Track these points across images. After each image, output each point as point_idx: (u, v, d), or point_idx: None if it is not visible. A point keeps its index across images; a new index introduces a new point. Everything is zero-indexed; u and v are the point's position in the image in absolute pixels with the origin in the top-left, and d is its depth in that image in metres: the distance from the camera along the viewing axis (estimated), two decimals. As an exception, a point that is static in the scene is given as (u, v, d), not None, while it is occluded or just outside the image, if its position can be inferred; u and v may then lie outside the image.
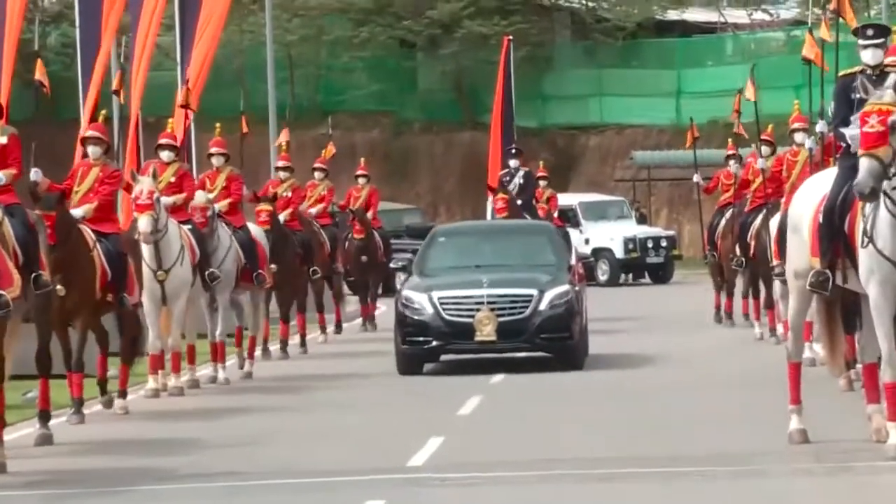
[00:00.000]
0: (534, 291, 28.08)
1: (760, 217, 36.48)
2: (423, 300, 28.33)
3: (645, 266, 71.52)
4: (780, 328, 31.34)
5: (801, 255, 23.11)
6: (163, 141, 36.04)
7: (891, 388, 21.37)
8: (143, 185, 31.79)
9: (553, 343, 28.28)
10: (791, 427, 22.70)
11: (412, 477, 21.35)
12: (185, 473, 22.64)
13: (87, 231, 28.40)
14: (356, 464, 22.36)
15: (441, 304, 28.01)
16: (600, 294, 62.17)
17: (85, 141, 26.31)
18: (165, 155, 34.32)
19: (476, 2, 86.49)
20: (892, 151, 20.83)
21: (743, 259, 38.03)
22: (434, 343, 28.35)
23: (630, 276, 71.03)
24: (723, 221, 39.44)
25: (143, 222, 30.89)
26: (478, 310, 27.70)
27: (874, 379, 22.41)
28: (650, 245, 72.20)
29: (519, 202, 50.23)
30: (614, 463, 21.88)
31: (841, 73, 24.63)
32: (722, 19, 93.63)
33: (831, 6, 34.34)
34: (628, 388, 30.71)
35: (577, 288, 29.23)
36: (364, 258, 49.11)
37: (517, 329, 27.81)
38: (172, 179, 32.84)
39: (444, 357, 29.91)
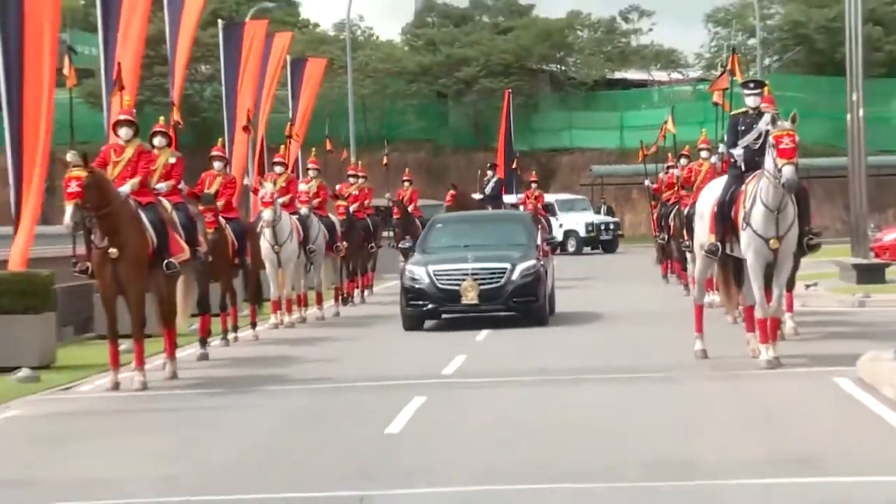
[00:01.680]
0: (507, 265, 27.70)
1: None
2: (421, 272, 28.08)
3: (599, 241, 71.06)
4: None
5: (703, 233, 23.54)
6: (276, 159, 35.95)
7: (762, 322, 21.78)
8: (266, 189, 32.20)
9: (523, 305, 27.86)
10: (696, 348, 23.10)
11: (446, 381, 21.78)
12: (294, 379, 22.88)
13: (220, 218, 28.77)
14: (405, 373, 22.56)
15: (435, 275, 27.76)
16: (570, 260, 61.55)
17: (117, 124, 23.79)
18: (278, 169, 34.56)
19: (487, 67, 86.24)
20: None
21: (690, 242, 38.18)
22: (430, 306, 28.01)
23: (589, 248, 70.50)
24: (672, 213, 38.72)
25: (267, 213, 31.39)
26: (464, 280, 27.36)
27: (751, 316, 22.87)
28: (602, 228, 72.11)
29: (488, 196, 51.14)
30: (583, 371, 22.33)
31: (732, 112, 25.18)
32: (651, 77, 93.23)
33: (729, 67, 34.64)
34: (589, 321, 30.66)
35: (542, 262, 28.55)
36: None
37: (494, 294, 27.49)
38: (283, 184, 33.07)
39: (433, 320, 29.21)
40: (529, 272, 27.56)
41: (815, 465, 13.70)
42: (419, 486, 13.46)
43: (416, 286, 27.94)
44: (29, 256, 27.71)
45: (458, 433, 16.86)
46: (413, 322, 28.30)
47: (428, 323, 28.86)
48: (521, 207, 57.17)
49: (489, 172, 55.05)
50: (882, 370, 19.11)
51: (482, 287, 27.09)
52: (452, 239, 30.59)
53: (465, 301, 27.15)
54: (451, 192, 49.67)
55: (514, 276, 27.42)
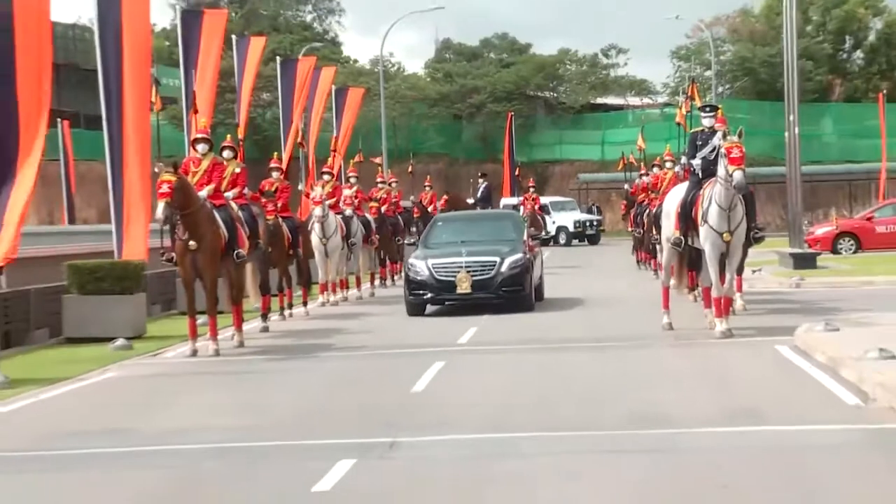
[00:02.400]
0: (497, 258, 26.63)
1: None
2: (422, 265, 27.02)
3: (585, 235, 70.33)
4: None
5: (669, 228, 23.42)
6: (324, 169, 35.77)
7: (717, 300, 21.64)
8: (317, 192, 32.09)
9: (511, 294, 26.79)
10: (663, 321, 22.92)
11: (460, 349, 21.59)
12: (337, 347, 22.74)
13: (278, 216, 28.71)
14: (428, 342, 22.36)
15: (433, 268, 26.71)
16: (561, 251, 61.12)
17: (195, 141, 24.43)
18: (326, 177, 34.31)
19: (493, 94, 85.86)
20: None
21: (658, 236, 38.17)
22: (429, 295, 27.09)
23: (577, 241, 70.04)
24: (644, 212, 38.43)
25: (318, 211, 31.17)
26: (458, 271, 26.30)
27: (708, 295, 22.82)
28: (587, 224, 71.23)
29: (477, 201, 49.91)
30: (571, 341, 22.12)
31: (691, 130, 25.13)
32: (626, 102, 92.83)
33: (690, 94, 34.59)
34: (575, 299, 30.35)
35: (528, 256, 27.37)
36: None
37: (486, 285, 26.43)
38: (330, 189, 33.02)
39: (434, 307, 28.07)
40: (517, 264, 26.61)
41: (760, 417, 13.78)
42: (438, 434, 13.54)
43: (418, 278, 27.00)
44: (149, 247, 27.91)
45: (471, 391, 16.89)
46: (415, 309, 27.42)
47: (430, 308, 27.88)
48: (521, 208, 57.32)
49: (480, 180, 53.82)
50: (814, 339, 19.14)
51: (475, 278, 26.11)
52: (450, 235, 29.51)
53: (459, 290, 26.18)
54: (445, 197, 49.39)
55: (503, 268, 26.45)
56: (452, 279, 26.05)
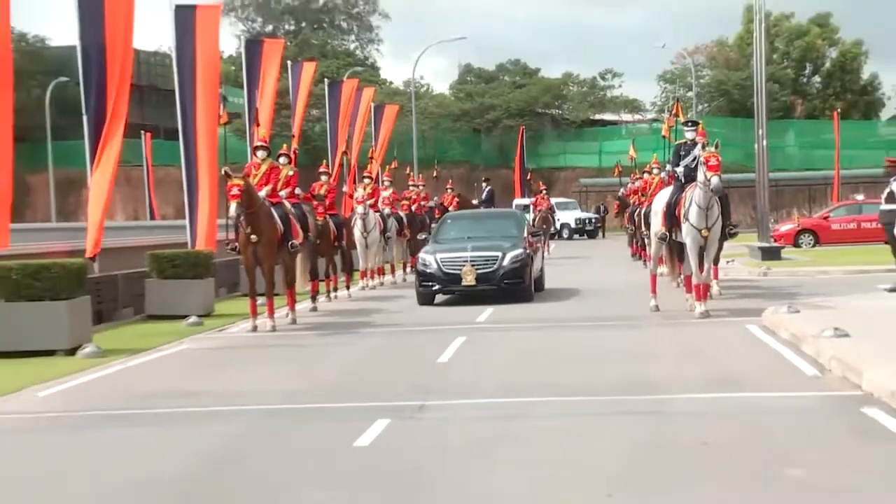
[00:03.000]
0: (499, 253, 25.35)
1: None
2: (431, 259, 25.67)
3: (585, 231, 70.31)
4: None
5: (657, 225, 23.32)
6: (364, 174, 36.08)
7: (696, 286, 21.52)
8: (359, 193, 32.12)
9: (512, 285, 25.43)
10: (651, 304, 22.75)
11: (479, 327, 21.45)
12: (375, 324, 22.68)
13: (328, 217, 28.65)
14: (451, 321, 22.20)
15: (441, 262, 25.42)
16: (565, 244, 61.15)
17: (256, 149, 24.55)
18: (366, 181, 34.06)
19: (507, 111, 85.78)
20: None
21: (647, 232, 38.07)
22: (437, 286, 25.75)
23: (577, 235, 69.90)
24: (636, 212, 38.27)
25: (360, 210, 31.10)
26: (464, 265, 25.07)
27: (689, 282, 22.71)
28: (587, 221, 71.30)
29: (481, 202, 48.33)
30: (572, 320, 22.15)
31: (676, 142, 24.99)
32: (620, 118, 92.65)
33: (674, 111, 34.53)
34: (575, 284, 30.14)
35: (528, 251, 26.00)
36: None
37: (488, 277, 25.12)
38: (369, 191, 32.98)
39: (443, 296, 26.63)
40: (517, 259, 25.41)
41: (733, 385, 13.78)
42: (460, 398, 13.55)
43: (427, 270, 25.66)
44: (216, 238, 28.29)
45: (488, 362, 16.82)
46: (425, 298, 26.04)
47: (440, 298, 26.69)
48: (532, 207, 57.21)
49: (484, 184, 52.31)
50: (779, 319, 19.09)
51: (478, 271, 24.95)
52: (458, 232, 28.13)
53: (464, 283, 25.00)
54: (456, 199, 48.95)
55: (505, 263, 25.23)
56: (458, 272, 24.99)
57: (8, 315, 19.29)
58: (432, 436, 11.56)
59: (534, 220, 53.09)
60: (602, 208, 75.06)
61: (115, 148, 24.40)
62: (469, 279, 24.65)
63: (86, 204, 24.98)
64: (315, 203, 28.12)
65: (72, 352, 19.02)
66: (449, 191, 47.99)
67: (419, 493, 9.21)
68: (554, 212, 65.02)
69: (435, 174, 55.90)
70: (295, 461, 10.54)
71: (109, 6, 24.35)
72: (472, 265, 24.76)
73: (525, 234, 26.82)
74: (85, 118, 24.49)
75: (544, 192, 55.41)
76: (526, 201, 68.10)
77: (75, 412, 13.86)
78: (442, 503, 8.93)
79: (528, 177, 66.52)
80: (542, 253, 29.80)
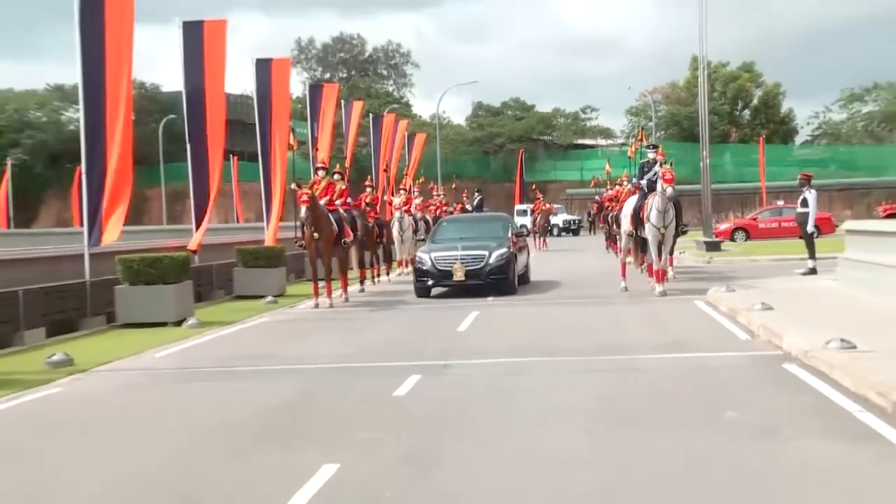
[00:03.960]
0: (486, 252, 23.04)
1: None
2: (426, 258, 23.38)
3: (570, 229, 69.76)
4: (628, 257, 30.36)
5: (626, 225, 23.22)
6: (400, 186, 36.35)
7: (656, 272, 21.48)
8: (396, 201, 32.23)
9: (497, 280, 23.00)
10: (621, 286, 22.58)
11: (489, 304, 21.35)
12: (409, 302, 22.56)
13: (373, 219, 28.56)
14: (467, 300, 22.00)
15: (435, 259, 23.13)
16: (555, 240, 60.16)
17: (317, 167, 24.86)
18: (402, 192, 34.52)
19: (510, 138, 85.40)
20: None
21: (619, 230, 37.92)
22: (431, 281, 23.30)
23: (565, 233, 69.48)
24: (610, 215, 38.06)
25: (397, 214, 31.14)
26: (455, 263, 22.79)
27: (650, 268, 22.61)
28: (571, 222, 70.88)
29: (473, 209, 46.70)
30: (560, 298, 22.15)
31: (640, 161, 24.82)
32: (597, 143, 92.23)
33: (639, 137, 34.40)
34: (559, 272, 29.98)
35: (512, 250, 23.72)
36: None
37: (476, 273, 22.81)
38: (404, 199, 33.07)
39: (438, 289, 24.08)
40: (502, 257, 23.10)
41: (684, 346, 13.72)
42: (475, 359, 13.52)
43: (423, 267, 23.32)
44: (277, 237, 28.24)
45: (496, 330, 16.78)
46: (421, 291, 23.61)
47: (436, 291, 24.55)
48: (530, 210, 57.07)
49: (476, 194, 50.93)
50: (719, 297, 19.07)
51: (467, 268, 22.75)
52: (452, 233, 25.64)
53: (455, 278, 22.77)
54: (458, 205, 48.08)
55: (491, 260, 22.89)
56: (450, 269, 22.86)
57: (132, 295, 19.54)
58: (454, 387, 11.54)
59: (535, 220, 53.16)
60: (590, 213, 75.01)
61: (218, 167, 24.67)
62: (459, 275, 22.66)
63: (189, 211, 25.15)
64: (367, 209, 28.14)
65: (178, 323, 19.20)
66: (465, 199, 48.07)
67: (444, 430, 9.21)
68: (555, 213, 65.02)
69: (454, 186, 55.76)
70: (348, 407, 10.54)
71: (208, 61, 24.53)
72: (462, 262, 22.80)
73: (510, 235, 24.52)
74: (189, 146, 24.69)
75: (541, 198, 55.41)
76: (525, 206, 68.18)
77: (182, 368, 13.97)
78: (462, 436, 8.92)
79: (533, 187, 65.96)
80: (528, 250, 27.41)
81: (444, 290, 24.12)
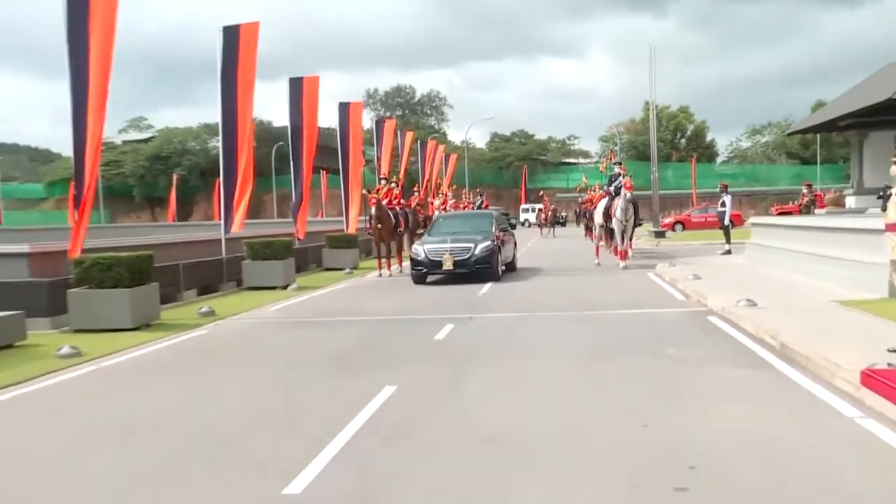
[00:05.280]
0: (472, 244, 19.63)
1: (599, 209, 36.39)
2: (420, 249, 19.75)
3: (559, 222, 68.42)
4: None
5: (599, 218, 23.23)
6: (440, 192, 36.27)
7: (620, 252, 21.38)
8: (437, 203, 32.21)
9: (482, 268, 19.35)
10: (595, 262, 22.56)
11: (498, 286, 20.91)
12: (444, 276, 22.89)
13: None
14: (477, 282, 20.50)
15: (428, 251, 19.48)
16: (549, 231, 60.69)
17: (380, 178, 24.55)
18: (440, 196, 34.42)
19: (517, 157, 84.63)
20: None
21: (593, 223, 37.66)
22: (424, 270, 19.49)
23: (556, 225, 68.47)
24: (587, 213, 37.52)
25: (437, 214, 29.92)
26: (444, 254, 19.24)
27: (616, 250, 22.39)
28: (559, 217, 69.56)
29: (476, 208, 42.23)
30: (549, 270, 21.88)
31: (609, 174, 24.53)
32: (578, 161, 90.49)
33: (608, 157, 34.13)
34: (545, 256, 29.74)
35: (496, 243, 20.15)
36: None
37: (464, 263, 19.23)
38: (442, 201, 32.97)
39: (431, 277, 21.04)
40: (487, 249, 19.57)
41: (640, 304, 13.61)
42: (491, 313, 13.41)
43: (417, 258, 19.69)
44: (357, 227, 28.00)
45: (508, 295, 16.71)
46: (417, 279, 19.82)
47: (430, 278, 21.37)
48: (540, 209, 55.06)
49: (479, 196, 46.54)
50: (664, 270, 18.97)
51: (456, 258, 19.29)
52: (446, 228, 21.69)
53: (445, 267, 19.27)
54: (466, 203, 46.78)
55: (476, 252, 19.47)
56: (440, 259, 19.38)
57: (253, 267, 19.61)
58: (477, 332, 11.46)
59: (544, 216, 51.68)
60: (576, 211, 74.32)
61: (307, 180, 24.65)
62: (448, 265, 19.23)
63: (297, 212, 25.01)
64: (418, 208, 27.96)
65: (284, 287, 19.19)
66: (485, 198, 47.53)
67: (470, 361, 9.19)
68: (559, 211, 64.03)
69: (478, 191, 55.45)
70: (403, 346, 10.51)
71: (305, 105, 24.48)
72: (451, 254, 19.46)
73: (494, 230, 20.72)
74: (291, 164, 24.70)
75: (548, 200, 54.74)
76: (528, 206, 67.64)
77: (288, 318, 13.90)
78: (482, 365, 8.89)
79: (541, 193, 64.57)
80: (514, 242, 23.36)
81: (415, 284, 22.32)
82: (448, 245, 19.63)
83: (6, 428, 7.16)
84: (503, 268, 20.47)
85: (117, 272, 12.77)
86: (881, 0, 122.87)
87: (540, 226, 49.16)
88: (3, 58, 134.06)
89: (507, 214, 64.59)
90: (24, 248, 13.52)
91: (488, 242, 19.84)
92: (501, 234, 21.04)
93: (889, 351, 7.57)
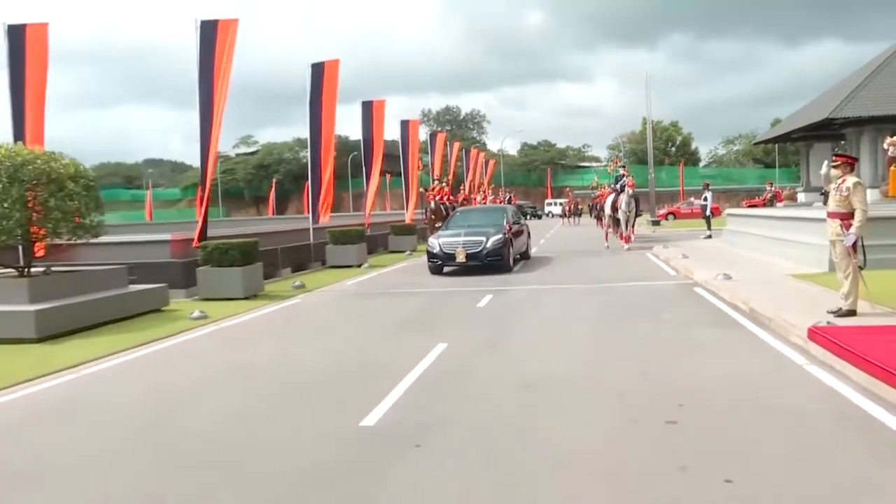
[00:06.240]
0: (484, 238, 16.52)
1: (608, 203, 35.82)
2: (435, 243, 16.61)
3: (576, 213, 67.27)
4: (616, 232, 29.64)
5: (608, 210, 22.80)
6: (481, 189, 35.82)
7: (625, 237, 21.08)
8: (479, 198, 31.91)
9: (493, 261, 16.28)
10: (604, 245, 22.19)
11: (527, 263, 20.75)
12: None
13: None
14: (492, 275, 20.03)
15: (442, 245, 16.40)
16: (566, 220, 59.96)
17: (434, 179, 23.27)
18: (482, 193, 34.03)
19: (542, 162, 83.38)
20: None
21: (603, 213, 37.09)
22: (439, 262, 16.38)
23: (574, 217, 67.60)
24: (598, 206, 36.70)
25: (456, 209, 25.98)
26: (458, 247, 16.20)
27: (621, 235, 22.01)
28: (578, 209, 67.44)
29: (508, 201, 42.16)
30: (565, 254, 21.43)
31: (616, 174, 24.07)
32: (591, 165, 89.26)
33: (614, 161, 33.54)
34: (560, 241, 29.07)
35: (507, 236, 17.10)
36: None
37: (476, 256, 16.17)
38: (482, 196, 32.67)
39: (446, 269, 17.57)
40: (498, 242, 16.51)
41: (641, 278, 13.35)
42: (521, 286, 13.34)
43: (433, 251, 16.56)
44: (413, 218, 27.47)
45: (530, 274, 16.59)
46: (434, 270, 16.80)
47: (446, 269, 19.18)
48: (564, 203, 52.53)
49: (507, 193, 45.29)
50: (660, 251, 18.64)
51: (468, 251, 16.21)
52: (462, 221, 18.52)
53: (458, 259, 16.20)
54: (492, 196, 45.02)
55: (488, 245, 16.38)
56: (453, 252, 16.27)
57: (335, 251, 19.60)
58: (511, 300, 11.38)
59: (568, 208, 50.26)
60: (590, 205, 73.00)
61: (376, 181, 24.63)
62: (461, 257, 16.31)
63: (364, 206, 25.02)
64: (465, 202, 27.61)
65: (359, 266, 19.19)
66: (511, 194, 46.66)
67: (506, 324, 9.12)
68: (579, 204, 62.95)
69: (508, 189, 54.88)
70: (452, 312, 10.48)
71: (375, 122, 24.48)
72: (464, 247, 16.38)
73: (506, 224, 17.99)
74: (364, 169, 24.75)
75: (572, 195, 53.49)
76: (552, 200, 66.71)
77: (362, 290, 13.88)
78: (517, 328, 8.82)
79: (567, 189, 63.25)
80: (528, 233, 20.28)
81: (432, 274, 20.37)
82: (461, 239, 16.72)
83: (160, 368, 7.52)
84: (517, 257, 17.82)
85: (232, 254, 13.12)
86: (821, 44, 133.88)
87: (564, 215, 48.67)
88: (152, 94, 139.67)
89: (533, 207, 63.45)
90: (167, 236, 14.18)
91: (500, 236, 16.83)
92: (514, 227, 18.18)
93: (828, 312, 7.77)
